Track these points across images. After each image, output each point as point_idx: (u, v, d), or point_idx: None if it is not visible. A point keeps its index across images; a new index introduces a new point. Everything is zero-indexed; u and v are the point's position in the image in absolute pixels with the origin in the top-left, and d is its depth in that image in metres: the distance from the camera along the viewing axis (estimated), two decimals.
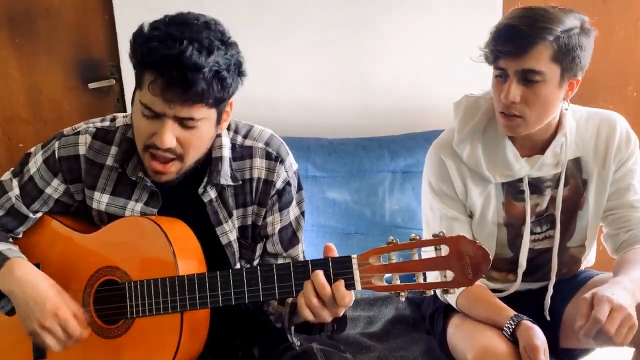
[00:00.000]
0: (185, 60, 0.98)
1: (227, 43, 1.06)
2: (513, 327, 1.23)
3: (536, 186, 1.37)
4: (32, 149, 1.23)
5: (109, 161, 1.18)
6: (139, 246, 1.13)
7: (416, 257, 0.98)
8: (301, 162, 1.88)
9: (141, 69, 1.04)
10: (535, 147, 1.36)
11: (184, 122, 1.05)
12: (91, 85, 2.02)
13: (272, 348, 1.23)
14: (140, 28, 1.05)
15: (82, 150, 1.18)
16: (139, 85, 1.06)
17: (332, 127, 1.98)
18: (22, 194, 1.20)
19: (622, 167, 1.37)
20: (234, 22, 1.95)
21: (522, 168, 1.35)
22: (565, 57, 1.22)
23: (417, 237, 0.98)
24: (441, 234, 0.97)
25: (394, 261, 0.99)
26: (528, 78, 1.22)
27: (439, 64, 1.95)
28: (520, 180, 1.36)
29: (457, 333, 1.37)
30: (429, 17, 1.94)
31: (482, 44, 1.28)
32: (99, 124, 1.21)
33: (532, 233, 1.39)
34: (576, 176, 1.39)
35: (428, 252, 0.98)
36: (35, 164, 1.20)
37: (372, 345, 1.55)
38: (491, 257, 0.97)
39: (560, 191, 1.36)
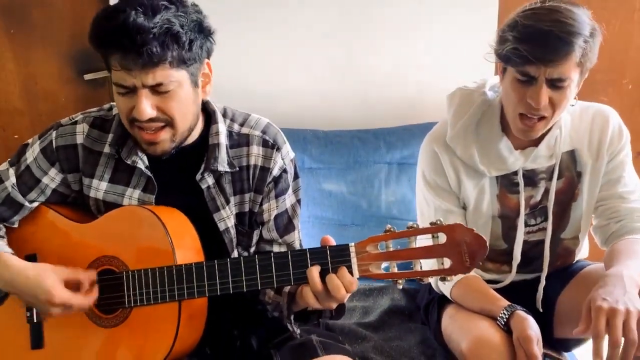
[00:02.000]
0: (130, 25, 0.99)
1: (176, 2, 1.05)
2: (507, 317, 1.24)
3: (530, 178, 1.38)
4: (30, 140, 1.23)
5: (106, 149, 1.18)
6: (136, 236, 1.13)
7: (413, 245, 0.98)
8: (297, 153, 1.86)
9: (101, 52, 1.06)
10: (529, 140, 1.35)
11: (156, 89, 1.05)
12: (87, 77, 2.01)
13: (270, 339, 1.24)
14: (96, 14, 1.06)
15: (79, 139, 1.19)
16: (107, 68, 1.08)
17: (328, 118, 1.98)
18: (19, 182, 1.20)
19: (613, 159, 1.38)
20: (231, 14, 1.95)
21: (517, 161, 1.35)
22: (586, 61, 1.22)
23: (415, 225, 0.99)
24: (438, 222, 0.98)
25: (391, 249, 0.99)
26: (557, 84, 1.21)
27: (435, 56, 1.95)
28: (515, 172, 1.37)
29: (451, 323, 1.38)
30: (426, 9, 1.94)
31: (494, 41, 1.25)
32: (95, 113, 1.22)
33: (526, 225, 1.40)
34: (571, 168, 1.39)
35: (425, 240, 0.98)
36: (32, 154, 1.20)
37: (368, 335, 1.56)
38: (488, 247, 0.97)
39: (554, 183, 1.37)
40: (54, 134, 1.19)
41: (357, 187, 1.87)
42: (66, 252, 1.17)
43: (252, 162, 1.20)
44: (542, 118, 1.25)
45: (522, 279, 1.45)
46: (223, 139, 1.18)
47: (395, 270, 0.99)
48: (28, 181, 1.20)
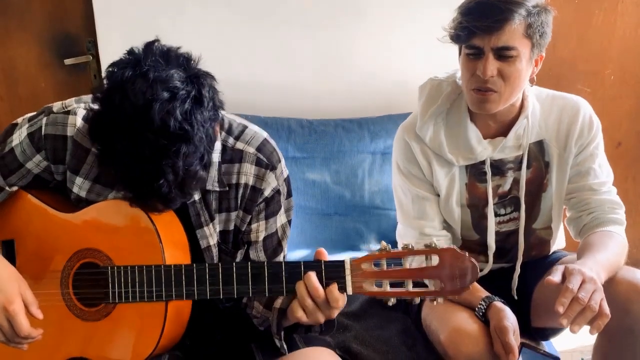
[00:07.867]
0: (165, 195, 0.99)
1: (211, 138, 1.01)
2: (485, 308, 1.27)
3: (498, 168, 1.40)
4: (19, 119, 1.17)
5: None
6: (123, 230, 1.10)
7: (407, 266, 1.00)
8: (281, 142, 1.88)
9: (112, 169, 1.00)
10: (498, 129, 1.37)
11: None
12: (67, 62, 1.97)
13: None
14: (112, 122, 0.96)
15: (70, 131, 1.12)
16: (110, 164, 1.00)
17: (312, 108, 1.97)
18: (1, 164, 1.15)
19: (583, 151, 1.39)
20: (216, 4, 1.91)
21: (485, 150, 1.37)
22: (535, 32, 1.24)
23: (410, 246, 1.00)
24: (433, 245, 0.99)
25: (385, 268, 1.00)
26: (503, 54, 1.23)
27: (419, 46, 1.95)
28: (483, 162, 1.38)
29: (431, 313, 1.40)
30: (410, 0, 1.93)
31: (447, 25, 1.29)
32: (90, 105, 1.13)
33: (496, 215, 1.42)
34: (539, 158, 1.41)
35: (419, 261, 1.00)
36: (19, 136, 1.14)
37: (350, 325, 1.57)
38: (478, 267, 0.99)
39: (524, 173, 1.39)
40: (44, 120, 1.13)
41: (340, 176, 1.88)
42: (47, 241, 1.14)
43: (242, 180, 1.16)
44: (494, 91, 1.26)
45: (500, 267, 1.47)
46: (216, 157, 1.14)
47: (388, 288, 1.01)
48: (11, 164, 1.15)
